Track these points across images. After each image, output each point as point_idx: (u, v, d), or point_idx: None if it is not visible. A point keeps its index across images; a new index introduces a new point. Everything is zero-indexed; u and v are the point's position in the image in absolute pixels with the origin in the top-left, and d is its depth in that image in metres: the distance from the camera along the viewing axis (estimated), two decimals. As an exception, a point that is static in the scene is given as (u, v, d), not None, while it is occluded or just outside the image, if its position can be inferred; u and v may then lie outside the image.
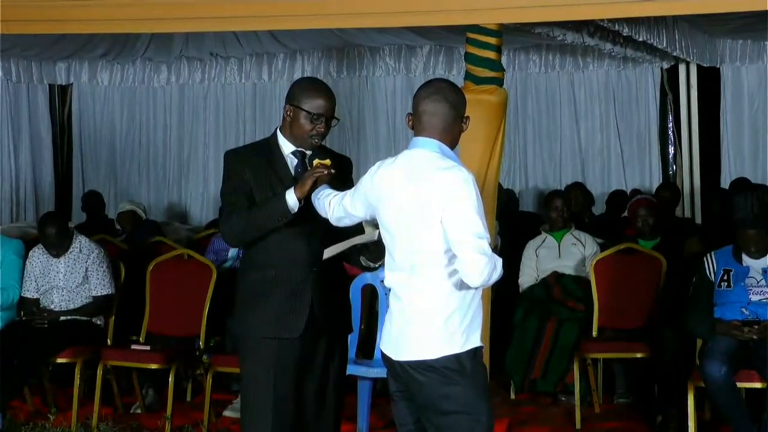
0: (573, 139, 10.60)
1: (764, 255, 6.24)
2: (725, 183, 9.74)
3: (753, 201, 6.30)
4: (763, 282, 6.21)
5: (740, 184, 8.43)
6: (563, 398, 7.35)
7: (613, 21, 7.41)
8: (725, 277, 6.27)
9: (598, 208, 9.74)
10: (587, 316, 7.24)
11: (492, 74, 5.99)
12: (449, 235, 3.81)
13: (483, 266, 3.77)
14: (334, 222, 4.25)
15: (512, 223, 8.65)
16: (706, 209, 9.54)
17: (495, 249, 6.43)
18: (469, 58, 6.06)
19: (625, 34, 7.95)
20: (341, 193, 4.20)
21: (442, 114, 3.95)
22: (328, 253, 4.38)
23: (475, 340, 3.93)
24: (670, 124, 10.49)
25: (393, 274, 4.00)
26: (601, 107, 10.57)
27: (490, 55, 6.00)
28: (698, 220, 9.82)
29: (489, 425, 3.92)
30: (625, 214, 8.13)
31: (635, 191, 9.17)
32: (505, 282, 7.45)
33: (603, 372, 7.40)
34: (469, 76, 6.00)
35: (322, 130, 4.44)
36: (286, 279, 4.41)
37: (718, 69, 10.19)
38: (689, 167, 10.25)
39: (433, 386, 3.87)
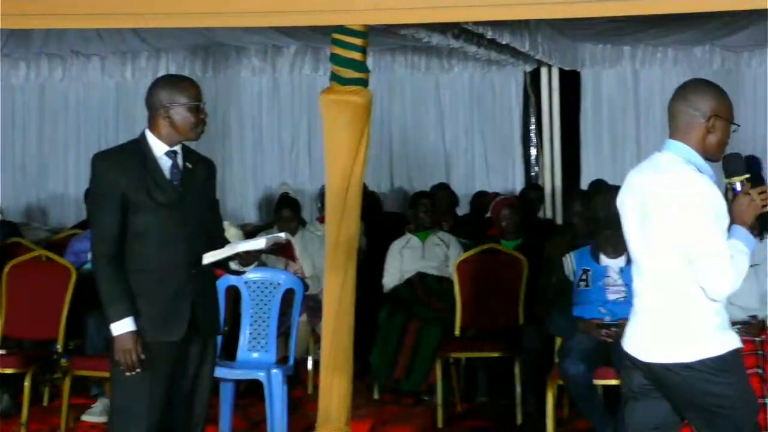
0: (438, 140, 10.69)
1: (621, 255, 6.37)
2: (585, 184, 9.92)
3: (611, 202, 6.41)
4: (620, 281, 6.35)
5: (598, 185, 8.60)
6: (426, 398, 7.40)
7: (477, 24, 7.49)
8: (584, 277, 6.40)
9: (463, 209, 9.84)
10: (450, 317, 7.30)
11: (357, 75, 5.99)
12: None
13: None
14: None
15: (377, 224, 8.69)
16: (567, 210, 9.71)
17: (359, 250, 6.49)
18: (335, 58, 6.06)
19: (489, 37, 8.04)
20: None
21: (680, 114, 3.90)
22: (211, 258, 4.34)
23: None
24: (533, 127, 10.66)
25: None
26: (466, 109, 10.68)
27: (356, 56, 6.00)
28: (559, 220, 10.00)
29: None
30: (489, 214, 8.22)
31: (495, 194, 9.29)
32: (370, 282, 7.51)
33: (465, 371, 7.48)
34: (334, 77, 5.99)
35: (204, 116, 4.42)
36: (168, 281, 4.35)
37: (579, 73, 10.39)
38: (551, 168, 10.43)
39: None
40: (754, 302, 6.18)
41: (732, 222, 3.86)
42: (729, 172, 3.96)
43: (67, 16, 5.99)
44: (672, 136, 3.93)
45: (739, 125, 3.97)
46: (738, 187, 3.90)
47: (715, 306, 3.87)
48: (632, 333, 4.02)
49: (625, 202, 4.02)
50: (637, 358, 3.96)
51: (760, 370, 5.84)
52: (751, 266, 6.11)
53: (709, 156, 3.92)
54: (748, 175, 3.95)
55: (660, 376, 3.90)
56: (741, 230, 3.87)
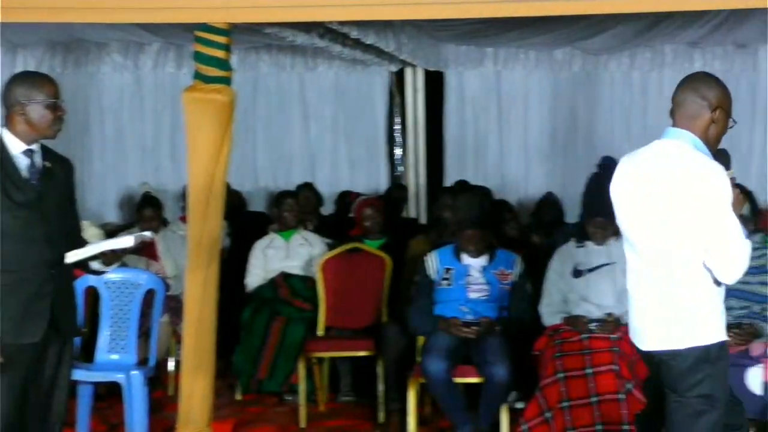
0: (303, 139, 10.66)
1: (483, 254, 6.47)
2: (449, 184, 10.01)
3: (473, 202, 6.52)
4: (482, 280, 6.44)
5: (461, 185, 8.70)
6: (289, 398, 7.39)
7: (342, 24, 7.50)
8: (446, 276, 6.47)
9: (327, 209, 9.85)
10: (314, 316, 7.30)
11: (221, 73, 5.94)
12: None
13: None
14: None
15: (240, 224, 8.64)
16: (431, 209, 9.80)
17: (223, 250, 6.45)
18: (198, 56, 6.00)
19: (353, 37, 8.05)
20: None
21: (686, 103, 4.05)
22: (75, 257, 4.27)
23: None
24: (398, 126, 10.72)
25: None
26: (331, 108, 10.68)
27: (219, 54, 5.96)
28: (423, 220, 10.08)
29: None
30: (352, 214, 8.24)
31: (357, 194, 9.32)
32: (233, 282, 7.46)
33: (329, 370, 7.49)
34: (198, 75, 5.94)
35: (62, 114, 4.36)
36: (28, 281, 4.26)
37: (443, 73, 10.48)
38: (415, 168, 10.50)
39: None
40: (611, 300, 6.32)
41: None
42: None
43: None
44: (676, 124, 4.07)
45: (736, 121, 4.15)
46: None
47: (719, 293, 4.05)
48: (641, 325, 4.17)
49: (625, 190, 4.12)
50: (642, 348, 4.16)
51: (615, 367, 5.97)
52: (608, 264, 6.33)
53: (708, 146, 4.07)
54: (732, 171, 4.10)
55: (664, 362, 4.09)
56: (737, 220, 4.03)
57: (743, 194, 4.46)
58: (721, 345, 4.08)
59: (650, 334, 4.13)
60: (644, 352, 4.19)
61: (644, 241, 4.08)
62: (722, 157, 4.14)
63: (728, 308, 5.99)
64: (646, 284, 4.11)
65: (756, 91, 10.01)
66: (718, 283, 4.02)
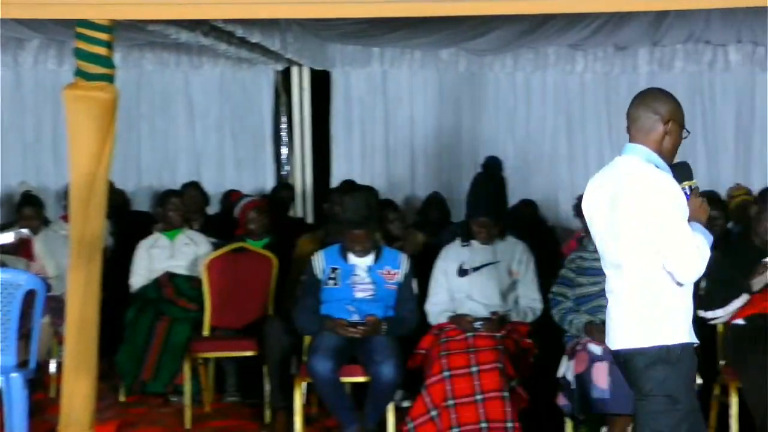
0: (188, 138, 10.56)
1: (369, 253, 6.48)
2: (335, 184, 10.02)
3: (359, 202, 6.52)
4: (368, 279, 6.45)
5: (348, 185, 8.71)
6: (174, 399, 7.32)
7: (226, 22, 7.45)
8: (332, 275, 6.47)
9: (213, 208, 9.77)
10: (199, 316, 7.24)
11: (103, 71, 5.85)
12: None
13: None
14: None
15: (124, 223, 8.53)
16: (318, 209, 9.80)
17: (106, 249, 6.35)
18: (79, 53, 5.90)
19: (239, 36, 8.00)
20: None
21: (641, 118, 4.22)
22: None
23: None
24: (284, 126, 10.69)
25: None
26: (217, 107, 10.59)
27: (101, 51, 5.86)
28: (310, 219, 10.07)
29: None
30: (236, 215, 8.15)
31: (239, 193, 9.25)
32: (117, 282, 7.37)
33: (214, 371, 7.44)
34: (79, 73, 5.84)
35: None
36: None
37: (330, 72, 10.48)
38: (301, 168, 10.49)
39: None
40: (496, 298, 6.39)
41: (689, 220, 4.17)
42: (680, 177, 4.22)
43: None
44: (632, 139, 4.24)
45: (689, 131, 4.30)
46: (687, 191, 4.21)
47: (685, 295, 4.20)
48: (615, 328, 4.27)
49: (593, 208, 4.31)
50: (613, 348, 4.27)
51: (500, 365, 6.04)
52: (493, 263, 6.41)
53: (664, 158, 4.22)
54: (696, 181, 4.27)
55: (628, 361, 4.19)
56: (699, 226, 4.20)
57: (710, 201, 4.61)
58: (684, 346, 4.16)
59: (616, 334, 4.25)
60: (614, 352, 4.30)
61: (611, 251, 4.24)
62: (683, 168, 4.28)
63: (599, 307, 6.15)
64: (616, 288, 4.27)
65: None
66: (680, 284, 4.16)
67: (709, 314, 6.23)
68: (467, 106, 10.46)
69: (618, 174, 4.23)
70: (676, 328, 4.16)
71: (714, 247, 6.40)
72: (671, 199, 4.10)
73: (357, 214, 6.44)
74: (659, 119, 4.21)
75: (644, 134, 4.22)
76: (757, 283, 6.13)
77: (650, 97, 4.30)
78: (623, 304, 4.23)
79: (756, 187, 8.54)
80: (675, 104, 4.27)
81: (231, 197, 9.25)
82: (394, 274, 6.49)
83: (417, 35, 9.65)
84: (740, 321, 6.16)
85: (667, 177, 4.15)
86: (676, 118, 4.23)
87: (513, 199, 8.65)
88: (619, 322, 4.24)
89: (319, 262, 6.52)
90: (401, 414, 6.31)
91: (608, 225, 4.22)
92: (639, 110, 4.26)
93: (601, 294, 6.16)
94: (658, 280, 4.15)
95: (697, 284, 4.31)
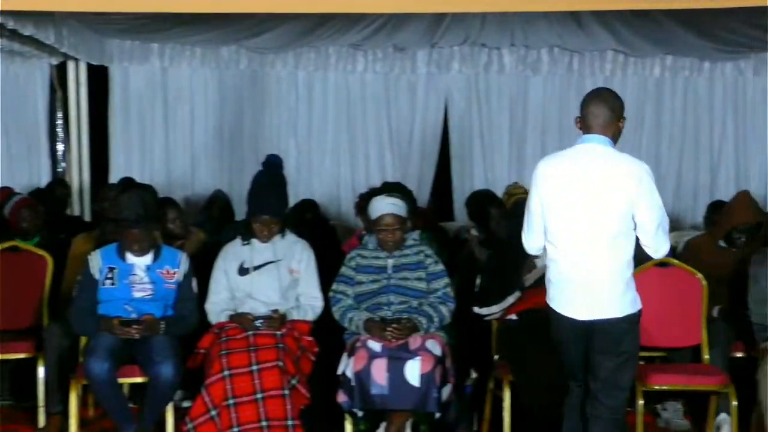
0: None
1: (147, 252, 6.39)
2: (114, 180, 9.83)
3: (135, 200, 6.41)
4: (146, 279, 6.36)
5: (126, 182, 8.56)
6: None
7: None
8: (110, 275, 6.34)
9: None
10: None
11: None
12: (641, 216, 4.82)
13: None
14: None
15: None
16: (95, 207, 9.59)
17: None
18: None
19: (10, 28, 7.76)
20: None
21: (603, 115, 4.88)
22: None
23: None
24: (60, 121, 10.42)
25: None
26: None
27: None
28: (88, 217, 9.85)
29: None
30: (6, 215, 7.85)
31: (9, 192, 8.96)
32: None
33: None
34: None
35: None
36: None
37: (108, 68, 10.28)
38: (78, 165, 10.25)
39: None
40: (276, 297, 6.40)
41: None
42: None
43: None
44: (591, 131, 4.89)
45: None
46: None
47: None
48: (575, 299, 4.91)
49: (559, 185, 4.89)
50: (578, 318, 4.91)
51: (280, 363, 6.05)
52: (273, 262, 6.42)
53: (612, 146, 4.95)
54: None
55: (603, 330, 4.87)
56: None
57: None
58: (641, 310, 4.96)
59: (589, 306, 4.88)
60: (579, 321, 4.90)
61: (583, 227, 4.84)
62: None
63: (388, 303, 6.25)
64: (583, 264, 4.87)
65: (415, 91, 10.42)
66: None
67: (484, 310, 6.41)
68: (249, 104, 10.44)
69: (592, 157, 4.86)
70: (637, 297, 4.94)
71: (488, 245, 6.71)
72: (653, 181, 4.82)
73: (133, 213, 6.33)
74: (615, 116, 4.91)
75: (603, 128, 4.89)
76: (529, 279, 6.34)
77: (608, 96, 4.96)
78: (607, 276, 4.85)
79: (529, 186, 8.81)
80: (622, 103, 4.98)
81: (1, 195, 8.94)
82: (174, 274, 6.41)
83: (197, 32, 9.58)
84: (513, 317, 6.36)
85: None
86: (623, 115, 4.96)
87: (295, 198, 8.68)
88: (594, 295, 4.87)
89: (96, 261, 6.38)
90: (181, 414, 6.25)
91: (584, 203, 4.82)
92: (599, 107, 4.90)
93: (380, 291, 6.31)
94: (631, 253, 4.86)
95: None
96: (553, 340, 5.10)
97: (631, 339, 4.94)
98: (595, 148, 4.87)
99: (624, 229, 4.82)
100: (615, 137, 4.93)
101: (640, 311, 4.96)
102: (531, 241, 5.14)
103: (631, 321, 4.92)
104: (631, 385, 5.13)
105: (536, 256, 6.28)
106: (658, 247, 4.89)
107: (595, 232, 4.83)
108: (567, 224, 4.89)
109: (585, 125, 4.93)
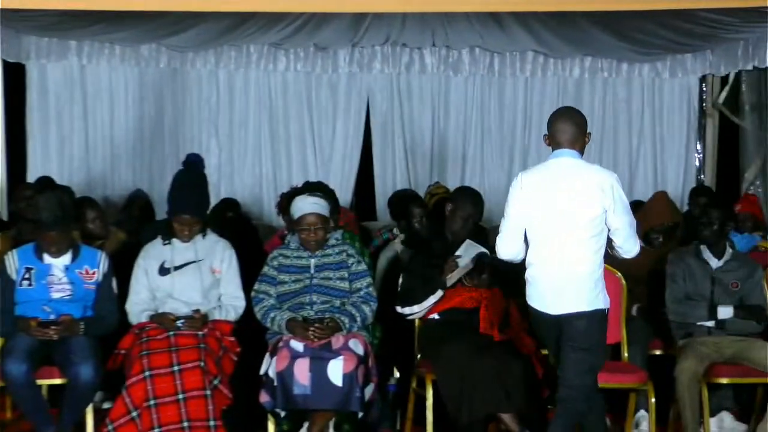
0: None
1: (65, 253, 6.32)
2: (32, 179, 9.68)
3: (52, 201, 6.33)
4: (65, 279, 6.29)
5: (44, 182, 8.44)
6: None
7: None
8: (27, 276, 6.27)
9: None
10: None
11: None
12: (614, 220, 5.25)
13: None
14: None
15: None
16: (11, 206, 9.44)
17: None
18: None
19: None
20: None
21: (570, 131, 5.33)
22: None
23: None
24: (-25, 119, 10.24)
25: None
26: None
27: None
28: (4, 217, 9.69)
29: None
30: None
31: None
32: None
33: None
34: None
35: None
36: None
37: (24, 65, 10.13)
38: (-8, 165, 10.08)
39: None
40: (198, 297, 6.36)
41: None
42: None
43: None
44: (561, 146, 5.33)
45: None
46: None
47: None
48: (548, 296, 5.30)
49: (537, 193, 5.29)
50: (551, 313, 5.29)
51: (202, 363, 6.02)
52: (194, 262, 6.38)
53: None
54: None
55: (571, 323, 5.24)
56: None
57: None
58: (608, 308, 5.34)
59: (562, 301, 5.25)
60: (553, 316, 5.27)
61: (558, 231, 5.24)
62: None
63: (311, 303, 6.24)
64: (558, 265, 5.26)
65: (337, 90, 10.42)
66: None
67: (406, 310, 6.43)
68: (169, 103, 10.34)
69: (567, 169, 5.28)
70: (606, 295, 5.32)
71: (411, 244, 6.75)
72: (621, 188, 5.27)
73: (51, 215, 6.25)
74: (581, 132, 5.35)
75: (570, 143, 5.32)
76: (451, 278, 6.37)
77: (574, 114, 5.41)
78: (579, 274, 5.23)
79: (451, 186, 8.85)
80: (586, 120, 5.42)
81: None
82: (93, 274, 6.35)
83: (115, 29, 9.47)
84: (435, 316, 6.39)
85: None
86: (587, 130, 5.38)
87: (216, 197, 8.63)
88: (566, 291, 5.24)
89: (13, 261, 6.30)
90: (101, 416, 6.19)
91: (560, 210, 5.22)
92: (567, 125, 5.33)
93: (303, 291, 6.30)
94: (601, 255, 5.28)
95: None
96: (536, 337, 5.71)
97: (595, 332, 5.30)
98: (567, 162, 5.30)
99: (596, 233, 5.24)
100: (581, 150, 5.36)
101: (607, 309, 5.34)
102: (505, 246, 5.44)
103: (598, 316, 5.29)
104: (594, 378, 5.38)
105: (458, 256, 6.34)
106: (630, 248, 5.34)
107: (569, 236, 5.24)
108: (544, 230, 5.29)
109: (554, 141, 5.36)
